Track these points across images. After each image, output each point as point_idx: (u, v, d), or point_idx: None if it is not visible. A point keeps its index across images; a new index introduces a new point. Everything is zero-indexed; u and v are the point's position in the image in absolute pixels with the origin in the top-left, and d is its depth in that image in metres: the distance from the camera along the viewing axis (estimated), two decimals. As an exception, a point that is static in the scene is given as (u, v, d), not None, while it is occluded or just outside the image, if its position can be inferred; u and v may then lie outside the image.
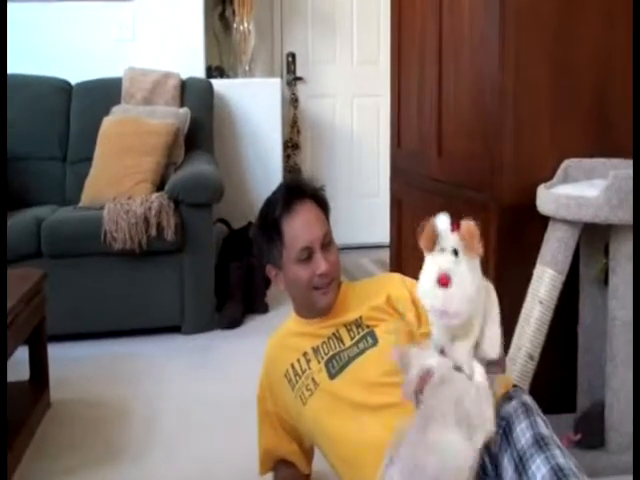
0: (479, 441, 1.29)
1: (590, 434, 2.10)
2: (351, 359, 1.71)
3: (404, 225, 3.39)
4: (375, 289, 1.85)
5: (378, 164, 5.09)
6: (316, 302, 1.78)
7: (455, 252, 1.32)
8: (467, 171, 2.56)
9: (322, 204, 1.83)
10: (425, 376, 1.34)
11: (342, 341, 1.75)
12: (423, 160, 3.04)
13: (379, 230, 4.43)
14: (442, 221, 1.35)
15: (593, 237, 2.16)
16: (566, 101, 2.32)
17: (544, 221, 2.15)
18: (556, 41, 2.30)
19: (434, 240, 1.34)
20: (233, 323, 3.60)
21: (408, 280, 1.82)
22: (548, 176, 2.24)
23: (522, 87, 2.29)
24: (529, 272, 2.15)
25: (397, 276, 1.92)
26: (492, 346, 1.36)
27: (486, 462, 1.49)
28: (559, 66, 2.31)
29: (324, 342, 1.77)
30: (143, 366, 3.11)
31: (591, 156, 2.26)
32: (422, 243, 1.37)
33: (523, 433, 1.44)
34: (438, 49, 2.83)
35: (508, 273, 2.30)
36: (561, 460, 1.38)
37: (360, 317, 1.76)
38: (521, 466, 1.41)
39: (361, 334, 1.74)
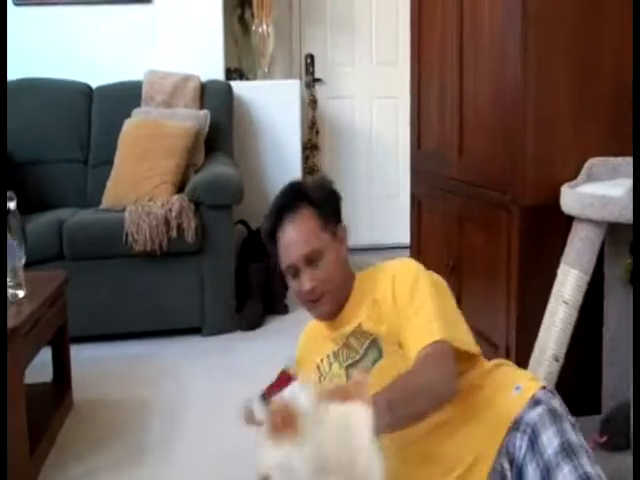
0: None
1: (616, 436, 2.08)
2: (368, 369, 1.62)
3: (424, 226, 3.38)
4: (375, 280, 1.70)
5: (397, 165, 5.09)
6: (311, 313, 1.74)
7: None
8: (488, 171, 2.55)
9: (322, 208, 1.69)
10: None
11: (356, 350, 1.66)
12: (444, 161, 3.03)
13: (399, 231, 4.43)
14: (257, 409, 1.20)
15: (618, 237, 2.13)
16: (589, 99, 2.29)
17: (567, 221, 2.13)
18: (577, 38, 2.26)
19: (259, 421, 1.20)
20: (253, 324, 3.61)
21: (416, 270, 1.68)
22: (571, 176, 2.22)
23: (544, 85, 2.26)
24: (552, 272, 2.13)
25: (396, 266, 1.73)
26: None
27: (505, 470, 1.45)
28: (581, 63, 2.27)
29: (340, 349, 1.69)
30: (164, 367, 3.12)
31: (614, 155, 2.24)
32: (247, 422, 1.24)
33: (550, 442, 1.38)
34: (459, 49, 2.82)
35: (531, 273, 2.28)
36: (588, 469, 1.33)
37: (359, 324, 1.66)
38: (548, 476, 1.35)
39: (367, 343, 1.64)
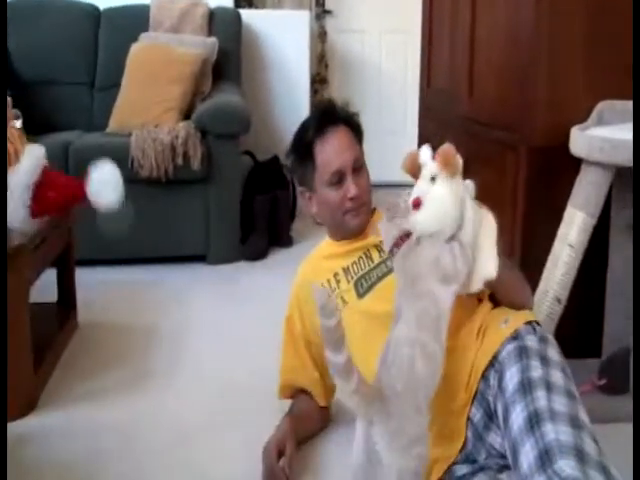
0: (454, 288, 1.40)
1: (614, 379, 2.10)
2: (379, 278, 1.72)
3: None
4: None
5: (406, 101, 5.04)
6: (347, 224, 1.80)
7: (433, 179, 1.45)
8: (498, 111, 2.53)
9: (355, 129, 1.85)
10: (404, 236, 1.48)
11: (372, 259, 1.77)
12: (453, 99, 3.00)
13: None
14: (424, 152, 1.49)
15: (626, 181, 2.12)
16: (603, 40, 2.23)
17: (576, 163, 2.11)
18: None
19: (418, 168, 1.48)
20: (257, 255, 3.63)
21: None
22: (582, 118, 2.19)
23: (557, 24, 2.21)
24: (559, 214, 2.12)
25: None
26: (486, 266, 1.45)
27: (491, 403, 1.46)
28: (596, 4, 2.23)
29: (354, 262, 1.78)
30: (169, 294, 3.15)
31: (626, 99, 2.21)
32: (406, 170, 1.51)
33: (511, 379, 1.39)
34: (473, -16, 2.77)
35: (537, 215, 2.28)
36: (541, 403, 1.30)
37: (381, 241, 1.74)
38: (506, 414, 1.36)
39: (384, 256, 1.73)
